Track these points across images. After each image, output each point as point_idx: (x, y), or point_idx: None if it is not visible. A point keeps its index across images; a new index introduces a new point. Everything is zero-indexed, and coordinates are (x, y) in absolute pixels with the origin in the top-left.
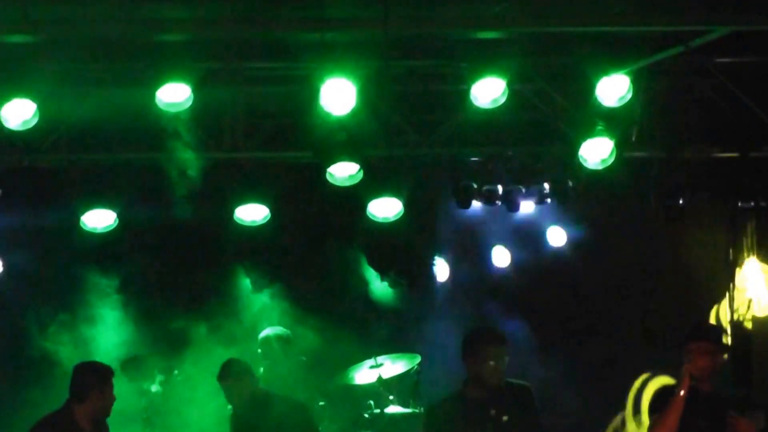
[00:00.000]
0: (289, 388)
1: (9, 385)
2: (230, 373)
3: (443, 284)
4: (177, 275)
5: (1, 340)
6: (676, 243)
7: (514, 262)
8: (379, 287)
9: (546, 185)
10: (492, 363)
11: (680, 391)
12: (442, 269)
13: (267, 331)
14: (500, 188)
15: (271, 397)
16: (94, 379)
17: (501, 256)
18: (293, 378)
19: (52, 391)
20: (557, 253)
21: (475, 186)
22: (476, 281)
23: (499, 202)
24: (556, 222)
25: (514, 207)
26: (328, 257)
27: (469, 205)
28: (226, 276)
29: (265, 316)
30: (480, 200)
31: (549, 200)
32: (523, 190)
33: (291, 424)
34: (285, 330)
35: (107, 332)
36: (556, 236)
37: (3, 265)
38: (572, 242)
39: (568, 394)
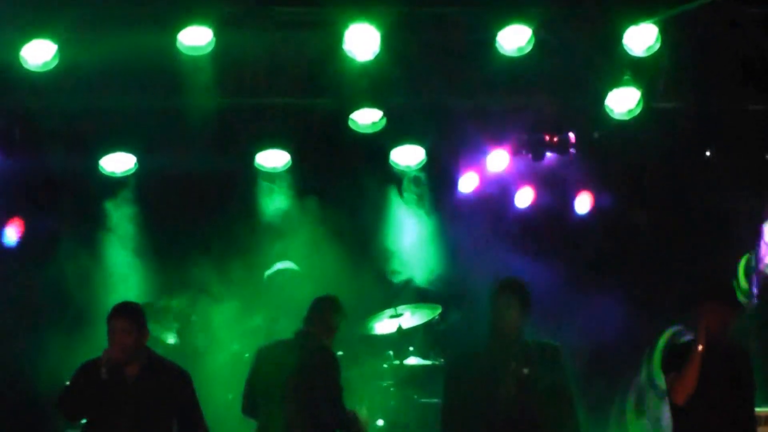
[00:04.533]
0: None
1: (49, 334)
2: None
3: (470, 224)
4: (195, 222)
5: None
6: (703, 195)
7: (539, 204)
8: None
9: (571, 135)
10: (501, 312)
11: (697, 347)
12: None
13: (278, 266)
14: (525, 137)
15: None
16: (107, 325)
17: (525, 197)
18: None
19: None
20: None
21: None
22: (501, 223)
23: (523, 151)
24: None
25: (539, 156)
26: (349, 203)
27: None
28: (245, 223)
29: (293, 261)
30: (504, 150)
31: (573, 150)
32: (548, 140)
33: (318, 368)
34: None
35: (124, 279)
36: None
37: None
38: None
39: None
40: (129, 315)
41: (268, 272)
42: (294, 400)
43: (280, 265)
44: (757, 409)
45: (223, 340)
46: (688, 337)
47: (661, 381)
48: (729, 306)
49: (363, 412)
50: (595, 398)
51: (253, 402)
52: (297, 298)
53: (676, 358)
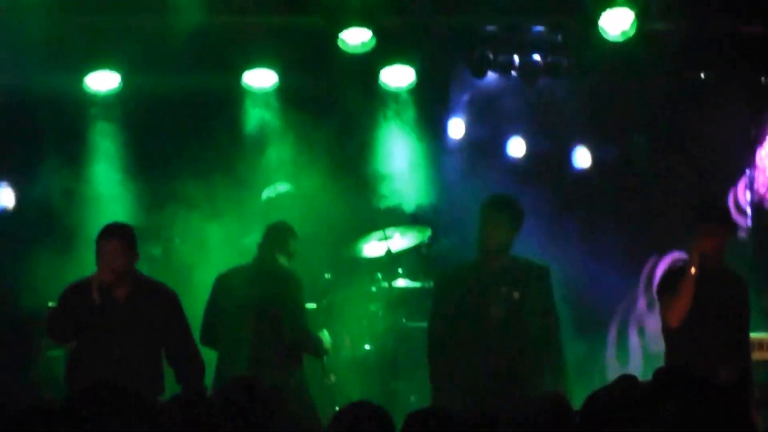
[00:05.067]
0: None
1: (35, 255)
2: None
3: (458, 144)
4: (182, 141)
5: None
6: (696, 119)
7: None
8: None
9: (564, 59)
10: (488, 228)
11: (690, 270)
12: (457, 128)
13: (278, 188)
14: (516, 59)
15: (278, 268)
16: (96, 246)
17: (517, 146)
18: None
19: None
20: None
21: (491, 56)
22: (492, 145)
23: (514, 74)
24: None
25: (530, 80)
26: (338, 125)
27: (483, 75)
28: (232, 143)
29: (271, 185)
30: (495, 70)
31: (566, 74)
32: (541, 63)
33: (288, 298)
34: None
35: (111, 199)
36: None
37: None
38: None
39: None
40: (119, 236)
41: (267, 193)
42: (256, 326)
43: (280, 188)
44: (752, 335)
45: (214, 258)
46: (683, 261)
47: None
48: (722, 227)
49: (346, 340)
50: (596, 325)
51: (212, 331)
52: (292, 219)
53: (670, 280)
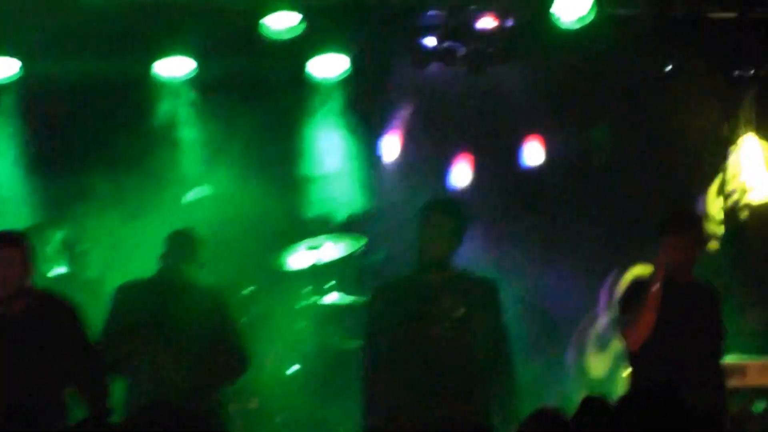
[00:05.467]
0: (212, 270)
1: None
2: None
3: (397, 141)
4: (89, 136)
5: None
6: (663, 115)
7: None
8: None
9: (515, 46)
10: (427, 235)
11: (654, 285)
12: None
13: (196, 193)
14: (462, 47)
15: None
16: None
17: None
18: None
19: None
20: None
21: (434, 44)
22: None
23: (460, 63)
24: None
25: (478, 69)
26: (261, 120)
27: (426, 65)
28: (143, 139)
29: (190, 185)
30: (439, 60)
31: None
32: (488, 50)
33: (201, 314)
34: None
35: (8, 200)
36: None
37: None
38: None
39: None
40: (12, 245)
41: (188, 196)
42: (164, 347)
43: (201, 191)
44: (728, 359)
45: (130, 267)
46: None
47: None
48: (690, 237)
49: (269, 361)
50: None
51: (112, 353)
52: (210, 225)
53: (632, 297)
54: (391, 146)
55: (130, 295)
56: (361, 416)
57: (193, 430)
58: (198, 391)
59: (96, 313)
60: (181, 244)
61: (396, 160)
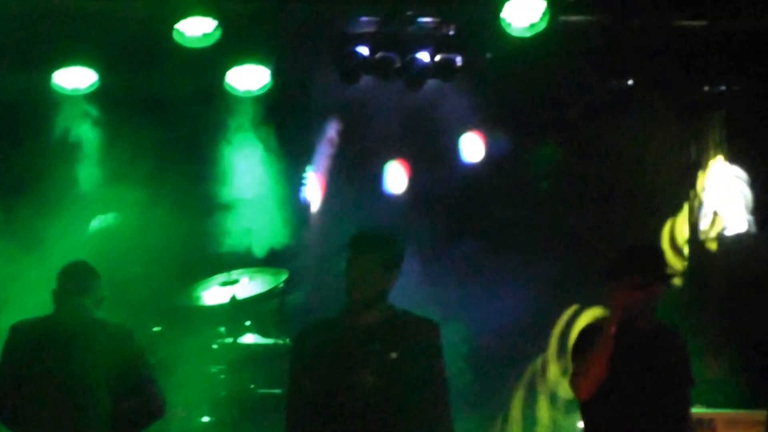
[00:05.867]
0: (115, 307)
1: None
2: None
3: (323, 164)
4: None
5: None
6: (621, 137)
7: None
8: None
9: (458, 57)
10: (355, 275)
11: (608, 329)
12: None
13: (100, 221)
14: (398, 58)
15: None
16: None
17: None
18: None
19: None
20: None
21: (366, 54)
22: (367, 166)
23: (395, 77)
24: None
25: (416, 83)
26: (173, 138)
27: (357, 79)
28: (38, 161)
29: (92, 210)
30: (371, 73)
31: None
32: (429, 62)
33: (107, 355)
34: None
35: None
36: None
37: None
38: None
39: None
40: None
41: (95, 224)
42: (66, 397)
43: (107, 219)
44: (694, 411)
45: (22, 304)
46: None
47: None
48: (655, 277)
49: (179, 410)
50: (488, 390)
51: (6, 402)
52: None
53: (585, 342)
54: (315, 186)
55: (26, 337)
56: None
57: None
58: None
59: None
60: (74, 278)
61: (323, 175)
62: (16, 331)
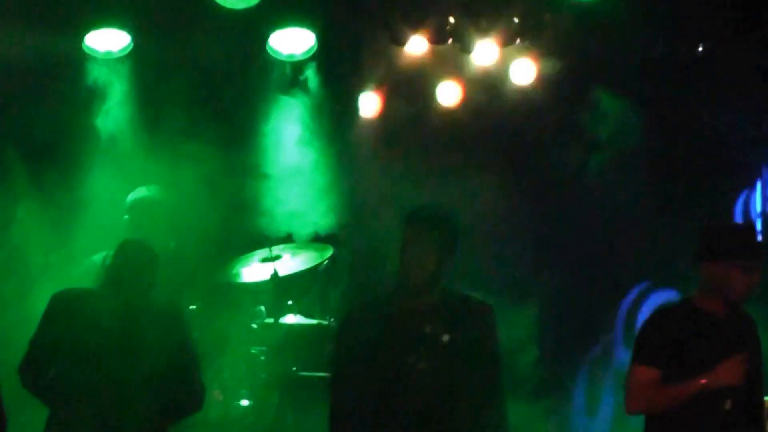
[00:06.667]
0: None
1: None
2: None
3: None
4: (7, 118)
5: None
6: (693, 105)
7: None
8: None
9: (515, 19)
10: (411, 254)
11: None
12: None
13: (136, 193)
14: (451, 20)
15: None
16: None
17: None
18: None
19: None
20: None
21: (417, 16)
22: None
23: (449, 40)
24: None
25: (469, 46)
26: (211, 106)
27: (406, 40)
28: (72, 128)
29: (130, 178)
30: (423, 36)
31: (518, 40)
32: (483, 25)
33: (158, 338)
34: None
35: None
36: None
37: None
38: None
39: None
40: None
41: (132, 196)
42: (112, 379)
43: (146, 192)
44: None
45: (47, 281)
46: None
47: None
48: (758, 263)
49: (216, 393)
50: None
51: (38, 371)
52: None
53: (654, 340)
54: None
55: (68, 308)
56: None
57: None
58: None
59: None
60: (137, 257)
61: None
62: (58, 300)
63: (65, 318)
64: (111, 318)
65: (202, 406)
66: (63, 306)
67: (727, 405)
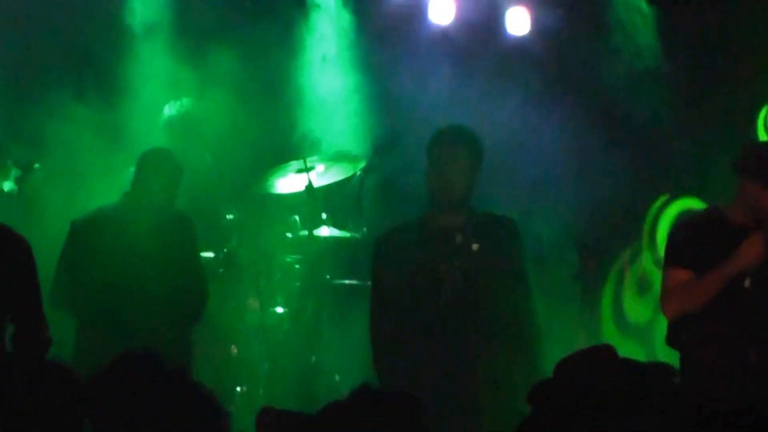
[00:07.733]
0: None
1: None
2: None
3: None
4: (51, 48)
5: None
6: (714, 17)
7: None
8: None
9: None
10: (442, 169)
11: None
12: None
13: (171, 108)
14: None
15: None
16: None
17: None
18: (196, 179)
19: None
20: None
21: None
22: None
23: None
24: None
25: None
26: (248, 29)
27: None
28: (112, 43)
29: (169, 92)
30: None
31: None
32: None
33: (169, 243)
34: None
35: None
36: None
37: None
38: None
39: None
40: None
41: (169, 110)
42: (140, 285)
43: (185, 105)
44: None
45: (87, 195)
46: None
47: None
48: None
49: (252, 300)
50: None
51: (68, 290)
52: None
53: (683, 246)
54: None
55: (94, 227)
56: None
57: (181, 384)
58: (165, 334)
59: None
60: (156, 167)
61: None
62: (77, 225)
63: (91, 236)
64: (123, 230)
65: (200, 317)
66: (85, 225)
67: (747, 283)
